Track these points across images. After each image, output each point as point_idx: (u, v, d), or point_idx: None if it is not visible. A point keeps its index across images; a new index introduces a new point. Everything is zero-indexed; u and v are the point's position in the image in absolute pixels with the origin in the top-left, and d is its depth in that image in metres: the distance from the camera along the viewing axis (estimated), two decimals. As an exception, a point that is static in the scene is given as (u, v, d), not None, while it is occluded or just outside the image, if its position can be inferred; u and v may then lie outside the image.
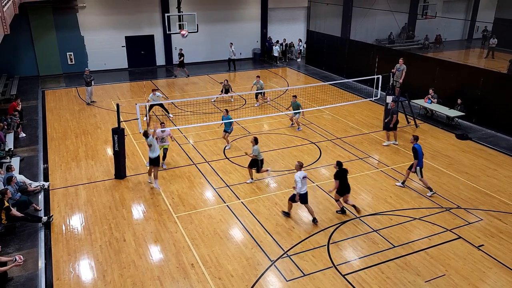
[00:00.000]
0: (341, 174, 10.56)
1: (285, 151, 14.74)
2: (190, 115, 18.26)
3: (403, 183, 12.41)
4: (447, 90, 18.10)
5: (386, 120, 15.29)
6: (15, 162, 13.22)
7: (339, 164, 10.63)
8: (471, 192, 12.12)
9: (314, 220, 10.53)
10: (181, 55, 24.54)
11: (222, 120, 14.74)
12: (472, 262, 9.23)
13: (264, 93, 20.20)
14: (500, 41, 30.02)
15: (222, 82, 20.47)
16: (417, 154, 11.72)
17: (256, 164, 12.38)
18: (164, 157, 13.40)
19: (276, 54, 28.83)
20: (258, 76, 19.87)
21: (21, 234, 10.12)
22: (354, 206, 10.78)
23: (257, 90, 19.52)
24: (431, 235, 10.12)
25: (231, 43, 26.64)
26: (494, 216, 10.96)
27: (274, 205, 11.38)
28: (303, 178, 10.28)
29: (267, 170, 12.79)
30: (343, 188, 10.65)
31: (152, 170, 12.17)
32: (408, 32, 34.57)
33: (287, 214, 10.87)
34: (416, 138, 12.15)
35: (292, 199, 10.54)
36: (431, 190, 11.88)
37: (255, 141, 12.26)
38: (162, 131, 13.09)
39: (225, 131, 14.83)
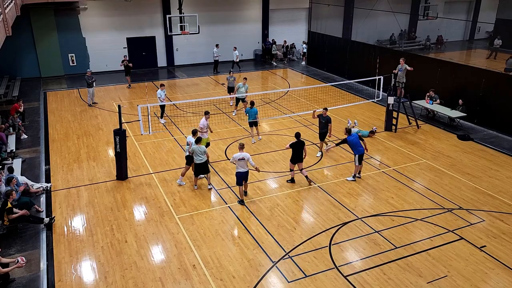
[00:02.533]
0: (295, 145, 11.95)
1: (286, 152, 14.72)
2: (192, 116, 18.27)
3: (354, 176, 12.82)
4: (449, 91, 18.08)
5: (322, 132, 14.22)
6: (17, 163, 13.24)
7: (296, 135, 12.03)
8: (473, 193, 12.09)
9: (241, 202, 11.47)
10: (127, 64, 22.48)
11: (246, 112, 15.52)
12: (474, 263, 9.21)
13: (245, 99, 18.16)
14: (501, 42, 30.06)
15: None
16: (352, 144, 12.41)
17: None
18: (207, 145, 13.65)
19: (273, 52, 28.85)
20: (245, 78, 18.75)
21: (23, 235, 10.13)
22: (306, 177, 12.29)
23: (239, 94, 17.87)
24: (433, 236, 10.10)
25: (217, 45, 26.24)
26: (496, 217, 10.94)
27: (276, 206, 11.37)
28: (239, 159, 11.11)
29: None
30: (295, 156, 12.08)
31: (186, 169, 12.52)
32: (410, 33, 34.56)
33: (241, 202, 11.56)
34: (348, 131, 12.76)
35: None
36: (354, 177, 12.75)
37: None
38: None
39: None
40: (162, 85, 17.55)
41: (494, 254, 9.48)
